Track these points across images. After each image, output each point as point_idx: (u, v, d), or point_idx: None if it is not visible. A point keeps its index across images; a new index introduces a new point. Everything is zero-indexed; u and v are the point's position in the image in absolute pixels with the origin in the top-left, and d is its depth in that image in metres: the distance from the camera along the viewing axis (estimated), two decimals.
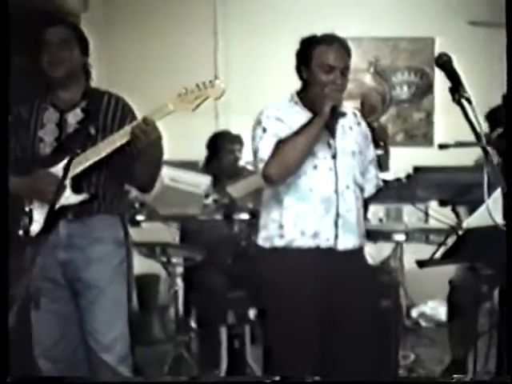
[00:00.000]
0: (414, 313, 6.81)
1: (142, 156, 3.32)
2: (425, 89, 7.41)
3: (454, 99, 2.69)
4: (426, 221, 5.36)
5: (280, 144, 3.29)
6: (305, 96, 3.44)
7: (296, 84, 7.28)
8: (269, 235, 3.43)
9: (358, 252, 3.48)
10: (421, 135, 7.40)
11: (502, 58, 7.09)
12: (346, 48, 3.39)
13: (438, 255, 3.08)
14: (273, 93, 6.65)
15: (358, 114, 3.61)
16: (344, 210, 3.38)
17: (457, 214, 4.09)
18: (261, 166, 3.32)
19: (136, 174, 3.45)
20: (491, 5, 7.11)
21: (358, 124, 3.55)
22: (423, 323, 6.85)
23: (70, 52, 3.43)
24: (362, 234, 3.50)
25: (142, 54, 6.99)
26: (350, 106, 3.60)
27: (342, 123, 3.45)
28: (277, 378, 2.88)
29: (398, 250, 5.68)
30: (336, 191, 3.37)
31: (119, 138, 3.31)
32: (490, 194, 3.00)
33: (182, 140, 5.69)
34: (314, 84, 3.37)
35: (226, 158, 5.39)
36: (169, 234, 5.12)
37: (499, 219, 2.82)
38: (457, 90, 2.70)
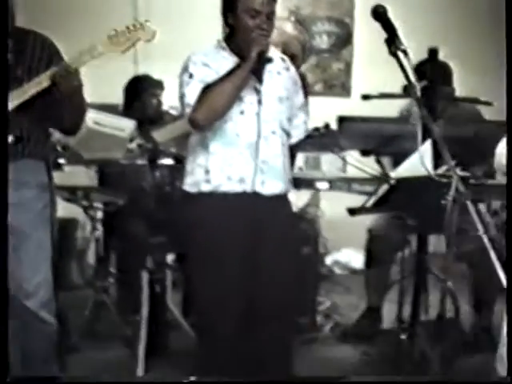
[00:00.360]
0: (328, 260, 6.92)
1: (65, 100, 3.28)
2: (344, 39, 7.46)
3: (390, 51, 2.71)
4: (344, 170, 5.42)
5: (206, 89, 3.28)
6: (232, 42, 3.42)
7: (218, 30, 7.24)
8: (195, 181, 3.43)
9: (283, 198, 3.51)
10: (339, 85, 7.46)
11: (424, 9, 7.19)
12: None
13: (368, 204, 3.14)
14: (194, 39, 6.65)
15: (287, 59, 3.60)
16: (270, 155, 3.40)
17: (381, 165, 4.16)
18: (188, 111, 3.31)
19: (60, 117, 3.40)
20: None
21: (287, 69, 3.54)
22: (337, 271, 6.99)
23: None
24: (289, 180, 3.53)
25: None
26: (277, 52, 3.58)
27: (269, 68, 3.44)
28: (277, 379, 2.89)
29: (316, 198, 5.76)
30: (261, 136, 3.38)
31: (45, 80, 3.24)
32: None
33: (102, 83, 5.59)
34: (241, 29, 3.34)
35: (148, 102, 5.35)
36: (88, 177, 5.06)
37: (430, 169, 2.89)
38: (393, 41, 2.72)
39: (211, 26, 7.00)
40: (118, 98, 5.64)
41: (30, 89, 3.25)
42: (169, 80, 5.47)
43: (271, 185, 3.41)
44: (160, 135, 4.55)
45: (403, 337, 4.11)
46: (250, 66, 3.27)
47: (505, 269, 2.28)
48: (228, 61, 3.37)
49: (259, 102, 3.39)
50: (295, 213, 4.05)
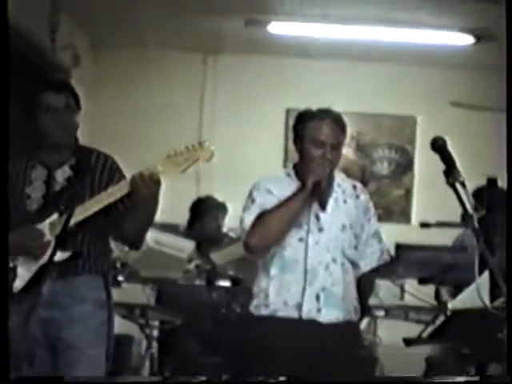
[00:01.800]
0: None
1: (136, 210, 3.32)
2: (405, 166, 7.49)
3: (447, 182, 2.73)
4: (402, 298, 5.37)
5: (262, 215, 3.33)
6: (299, 169, 3.48)
7: (279, 157, 7.39)
8: (257, 304, 3.45)
9: (344, 325, 3.45)
10: (399, 212, 7.45)
11: (482, 139, 7.25)
12: (339, 123, 3.43)
13: (425, 334, 3.11)
14: (256, 163, 6.82)
15: (359, 186, 3.60)
16: (329, 283, 3.39)
17: (439, 294, 4.12)
18: (244, 236, 3.36)
19: (127, 231, 3.43)
20: (473, 86, 7.28)
21: (357, 197, 3.54)
22: None
23: (73, 118, 3.45)
24: (352, 308, 3.49)
25: (128, 114, 7.04)
26: (348, 179, 3.61)
27: (335, 196, 3.47)
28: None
29: (373, 325, 5.69)
30: (321, 264, 3.39)
31: (107, 196, 3.31)
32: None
33: (164, 202, 5.70)
34: (305, 158, 3.41)
35: (209, 224, 5.41)
36: (144, 295, 5.10)
37: (487, 301, 2.86)
38: (451, 173, 2.74)
39: (272, 151, 7.25)
40: (178, 217, 5.74)
41: (93, 205, 3.30)
42: (230, 202, 5.57)
43: (328, 312, 3.38)
44: (219, 257, 4.61)
45: None
46: (306, 195, 3.31)
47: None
48: (292, 188, 3.41)
49: (320, 229, 3.41)
50: (359, 340, 3.95)
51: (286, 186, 3.43)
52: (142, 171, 3.25)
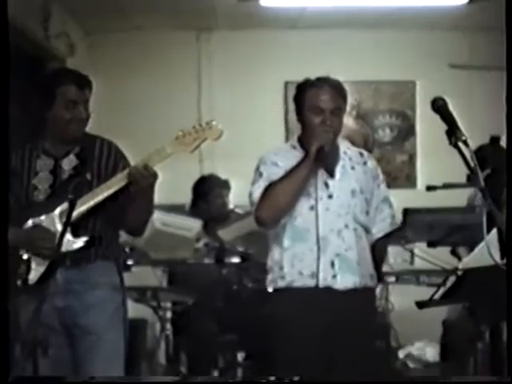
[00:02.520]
0: (401, 354, 6.79)
1: (136, 200, 3.34)
2: (407, 131, 7.48)
3: (450, 142, 2.71)
4: (412, 262, 5.37)
5: (269, 187, 3.35)
6: (303, 140, 3.49)
7: (279, 129, 7.37)
8: (273, 278, 3.48)
9: (361, 291, 3.47)
10: (404, 177, 7.45)
11: (483, 100, 7.23)
12: (338, 89, 3.45)
13: (436, 296, 3.11)
14: (257, 138, 6.81)
15: (366, 153, 3.63)
16: (342, 249, 3.41)
17: (457, 256, 4.11)
18: (253, 209, 3.38)
19: (128, 218, 3.45)
20: (472, 48, 7.24)
21: (364, 163, 3.56)
22: (411, 364, 6.84)
23: (89, 112, 3.45)
24: (368, 273, 3.51)
25: (125, 100, 7.01)
26: (355, 147, 3.63)
27: (342, 163, 3.48)
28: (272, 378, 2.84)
29: (385, 291, 5.70)
30: (333, 231, 3.40)
31: (116, 183, 3.31)
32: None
33: (168, 184, 5.70)
34: (307, 127, 3.44)
35: (215, 202, 5.41)
36: (155, 278, 5.11)
37: (497, 258, 2.86)
38: (453, 133, 2.73)
39: (273, 124, 7.24)
40: (183, 197, 5.74)
41: (102, 192, 3.32)
42: (233, 179, 5.57)
43: (344, 279, 3.40)
44: (226, 234, 4.61)
45: None
46: (310, 162, 3.33)
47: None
48: (297, 158, 3.42)
49: (330, 196, 3.42)
50: (374, 306, 3.96)
51: (292, 158, 3.44)
52: (137, 164, 3.27)
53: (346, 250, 3.41)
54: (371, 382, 3.39)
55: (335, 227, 3.40)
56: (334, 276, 3.38)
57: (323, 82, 3.44)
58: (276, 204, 3.34)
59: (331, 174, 3.44)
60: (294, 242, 3.41)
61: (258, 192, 3.38)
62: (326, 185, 3.43)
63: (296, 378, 2.76)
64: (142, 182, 3.24)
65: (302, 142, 3.49)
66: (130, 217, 3.43)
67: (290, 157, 3.45)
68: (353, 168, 3.51)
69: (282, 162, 3.43)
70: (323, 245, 3.38)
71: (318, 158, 3.34)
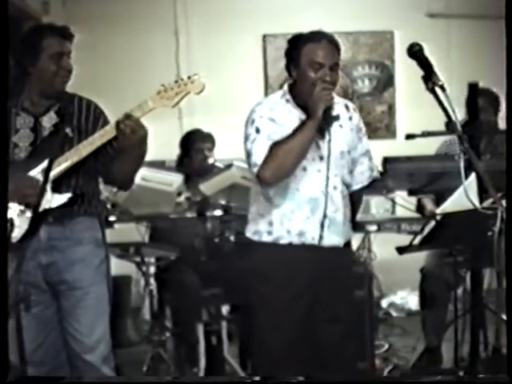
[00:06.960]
0: (384, 303, 6.87)
1: (125, 154, 3.32)
2: (386, 82, 7.47)
3: (427, 87, 2.72)
4: (393, 212, 5.40)
5: (274, 147, 3.30)
6: (296, 94, 3.42)
7: (259, 83, 7.32)
8: (258, 230, 3.47)
9: (343, 248, 3.52)
10: (384, 128, 7.46)
11: (462, 48, 7.21)
12: (334, 44, 3.38)
13: (416, 242, 3.14)
14: (237, 92, 6.78)
15: (351, 106, 3.58)
16: (331, 210, 3.41)
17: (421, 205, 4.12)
18: (255, 169, 3.33)
19: (116, 173, 3.44)
20: None
21: (350, 118, 3.52)
22: (394, 313, 6.92)
23: (71, 64, 3.45)
24: (348, 231, 3.54)
25: (103, 56, 6.95)
26: (341, 99, 3.56)
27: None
28: (257, 378, 2.88)
29: (367, 241, 5.74)
30: (323, 192, 3.40)
31: (99, 138, 3.31)
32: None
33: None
34: (304, 81, 3.35)
35: (195, 157, 5.39)
36: (138, 233, 5.12)
37: (476, 202, 2.89)
38: (430, 78, 2.73)
39: (251, 78, 7.21)
40: (164, 154, 5.71)
41: (85, 148, 3.31)
42: (215, 133, 5.55)
43: (330, 239, 3.42)
44: (208, 187, 4.61)
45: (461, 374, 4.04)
46: (317, 124, 3.27)
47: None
48: (293, 114, 3.39)
49: (321, 158, 3.40)
50: (353, 260, 4.00)
51: (288, 114, 3.40)
52: (122, 116, 3.25)
53: (335, 212, 3.42)
54: (371, 381, 3.42)
55: (325, 189, 3.39)
56: (321, 236, 3.39)
57: (320, 36, 3.36)
58: (282, 166, 3.30)
59: (322, 135, 3.38)
60: (283, 200, 3.40)
61: (259, 151, 3.31)
62: (318, 145, 3.40)
63: (300, 379, 2.81)
64: (129, 134, 3.22)
65: (294, 95, 3.43)
66: (117, 171, 3.42)
67: (284, 112, 3.40)
68: (341, 126, 3.45)
69: (279, 118, 3.37)
70: (313, 206, 3.39)
71: (323, 119, 3.29)
